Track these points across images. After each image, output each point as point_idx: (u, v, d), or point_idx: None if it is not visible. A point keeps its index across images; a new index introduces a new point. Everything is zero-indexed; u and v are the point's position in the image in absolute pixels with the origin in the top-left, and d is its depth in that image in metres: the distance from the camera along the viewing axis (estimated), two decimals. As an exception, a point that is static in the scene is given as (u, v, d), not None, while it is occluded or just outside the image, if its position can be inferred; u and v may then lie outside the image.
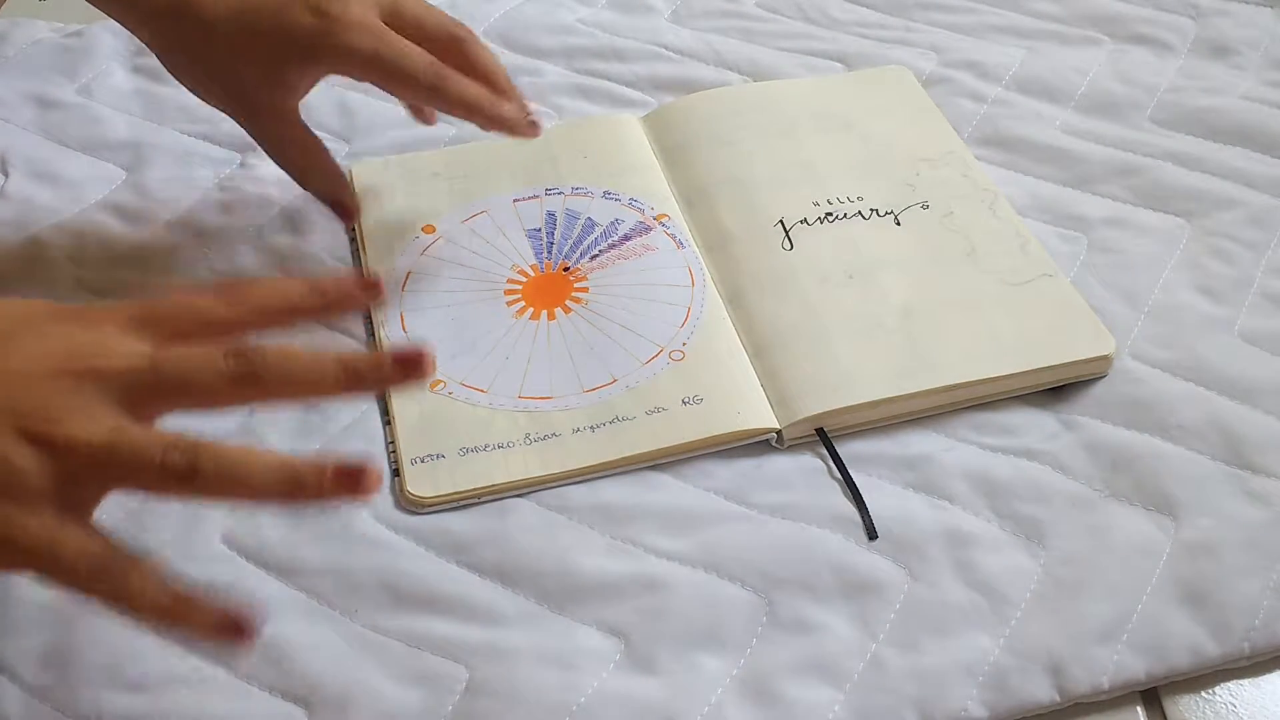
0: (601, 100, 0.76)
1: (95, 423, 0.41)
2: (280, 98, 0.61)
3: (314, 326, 0.62)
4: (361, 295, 0.47)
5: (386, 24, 0.59)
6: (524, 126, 0.61)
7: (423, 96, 0.61)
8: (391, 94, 0.62)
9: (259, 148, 0.64)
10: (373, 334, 0.62)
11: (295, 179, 0.65)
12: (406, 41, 0.59)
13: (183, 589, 0.41)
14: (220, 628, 0.41)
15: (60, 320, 0.44)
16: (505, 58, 0.79)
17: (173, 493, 0.42)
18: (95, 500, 0.43)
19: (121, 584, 0.41)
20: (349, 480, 0.42)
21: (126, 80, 0.77)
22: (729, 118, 0.72)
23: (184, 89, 0.63)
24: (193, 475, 0.41)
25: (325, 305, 0.46)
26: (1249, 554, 0.52)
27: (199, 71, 0.62)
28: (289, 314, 0.46)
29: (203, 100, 0.63)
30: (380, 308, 0.61)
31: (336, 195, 0.65)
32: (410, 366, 0.44)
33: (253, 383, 0.43)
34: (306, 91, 0.62)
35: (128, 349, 0.43)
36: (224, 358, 0.42)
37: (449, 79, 0.59)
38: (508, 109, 0.61)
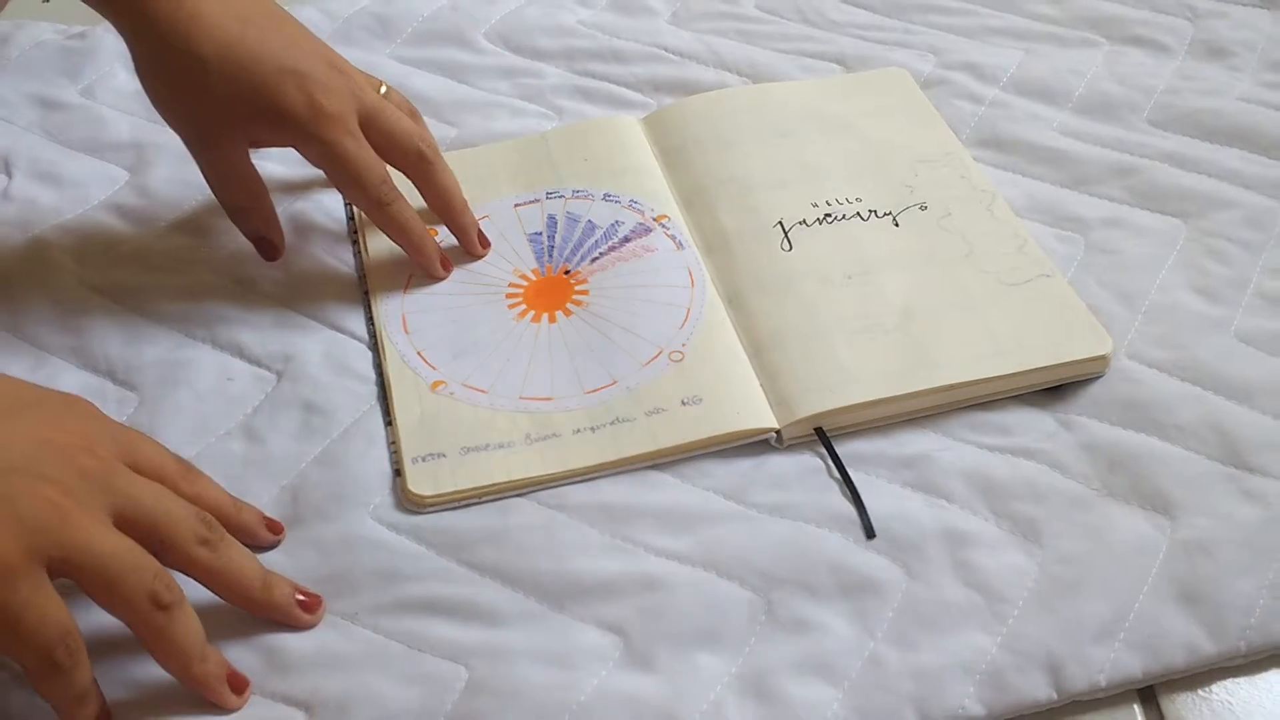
0: (602, 102, 0.77)
1: (103, 527, 0.46)
2: (241, 146, 0.63)
3: (309, 323, 0.63)
4: (266, 533, 0.54)
5: (361, 127, 0.62)
6: (437, 267, 0.64)
7: (365, 207, 0.63)
8: (340, 191, 0.65)
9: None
10: (375, 335, 0.62)
11: (230, 213, 0.65)
12: (372, 152, 0.62)
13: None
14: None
15: (73, 410, 0.51)
16: (506, 59, 0.79)
17: (134, 620, 0.47)
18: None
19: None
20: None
21: (129, 81, 0.78)
22: (728, 119, 0.73)
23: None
24: (167, 609, 0.47)
25: (241, 526, 0.53)
26: (1245, 553, 0.52)
27: (174, 97, 0.62)
28: (216, 515, 0.51)
29: (161, 115, 0.63)
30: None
31: (267, 234, 0.65)
32: (310, 608, 0.51)
33: (209, 549, 0.49)
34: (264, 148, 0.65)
35: (130, 473, 0.49)
36: (199, 522, 0.49)
37: (394, 202, 0.63)
38: (430, 248, 0.64)
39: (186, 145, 0.63)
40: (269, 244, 0.65)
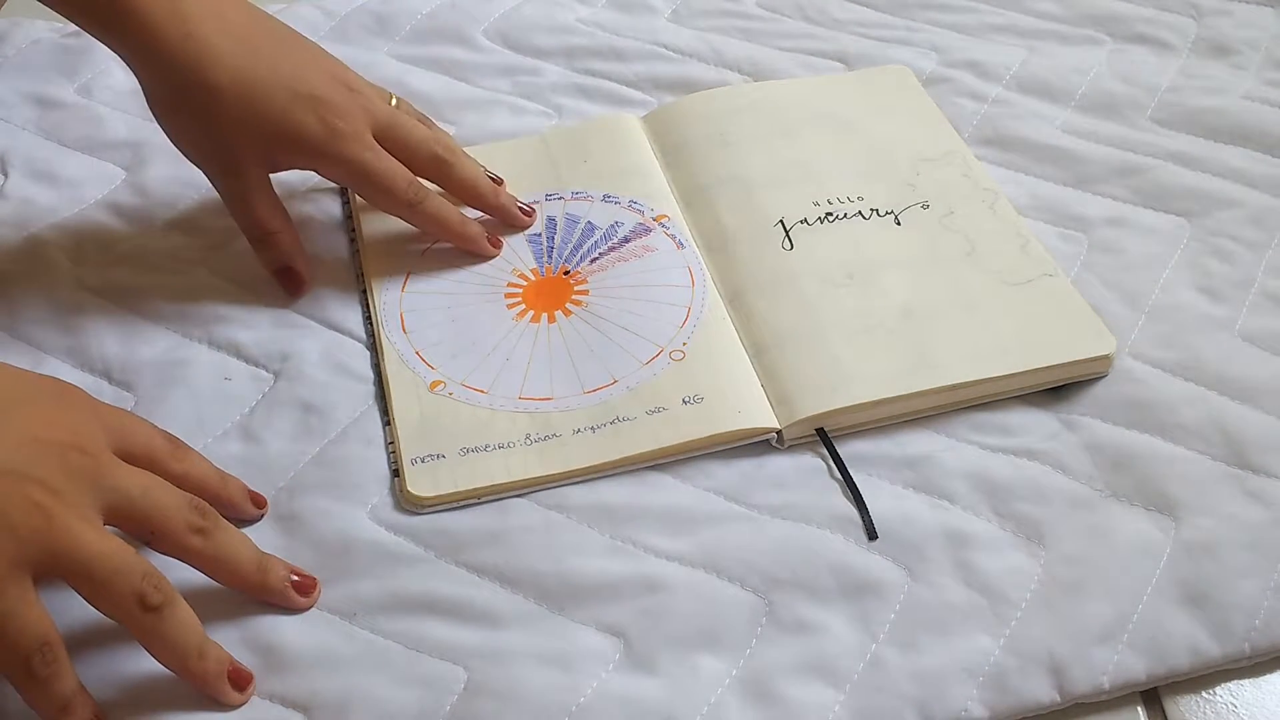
0: (602, 100, 0.76)
1: (91, 528, 0.46)
2: (262, 172, 0.63)
3: (307, 323, 0.63)
4: (250, 508, 0.54)
5: (377, 139, 0.63)
6: (485, 247, 0.65)
7: (399, 212, 0.64)
8: (371, 204, 0.65)
9: None
10: (373, 334, 0.62)
11: (254, 243, 0.64)
12: (393, 159, 0.63)
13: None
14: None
15: (63, 402, 0.50)
16: (505, 57, 0.79)
17: (124, 621, 0.47)
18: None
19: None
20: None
21: (126, 80, 0.77)
22: (729, 117, 0.72)
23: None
24: (156, 610, 0.46)
25: (227, 501, 0.53)
26: (1249, 554, 0.52)
27: (190, 128, 0.62)
28: (204, 491, 0.52)
29: (179, 149, 0.63)
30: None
31: (291, 263, 0.64)
32: (305, 590, 0.51)
33: (202, 537, 0.49)
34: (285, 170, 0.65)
35: (120, 467, 0.49)
36: (191, 511, 0.49)
37: (425, 199, 0.64)
38: (473, 231, 0.65)
39: (207, 176, 0.63)
40: (293, 275, 0.64)
